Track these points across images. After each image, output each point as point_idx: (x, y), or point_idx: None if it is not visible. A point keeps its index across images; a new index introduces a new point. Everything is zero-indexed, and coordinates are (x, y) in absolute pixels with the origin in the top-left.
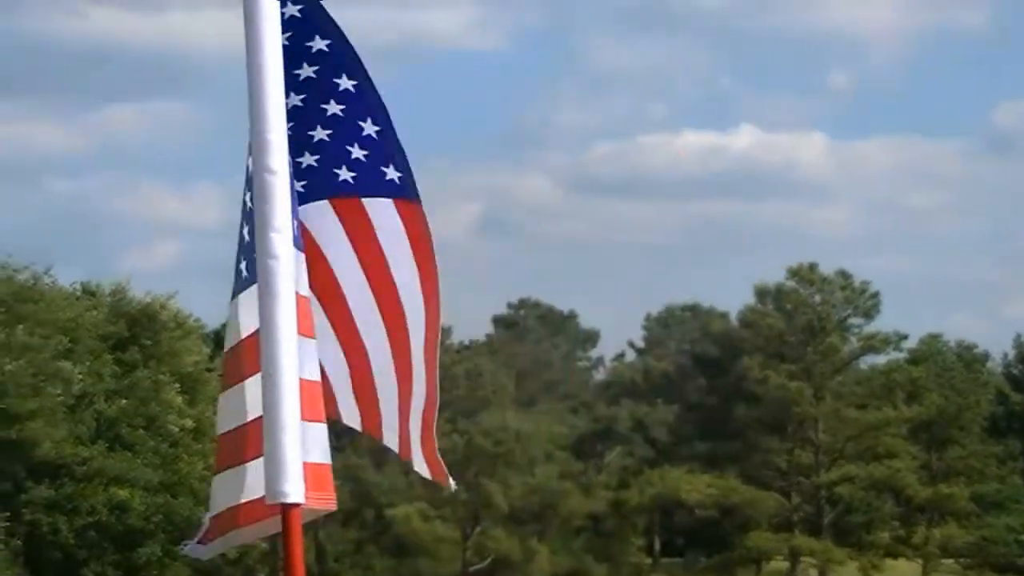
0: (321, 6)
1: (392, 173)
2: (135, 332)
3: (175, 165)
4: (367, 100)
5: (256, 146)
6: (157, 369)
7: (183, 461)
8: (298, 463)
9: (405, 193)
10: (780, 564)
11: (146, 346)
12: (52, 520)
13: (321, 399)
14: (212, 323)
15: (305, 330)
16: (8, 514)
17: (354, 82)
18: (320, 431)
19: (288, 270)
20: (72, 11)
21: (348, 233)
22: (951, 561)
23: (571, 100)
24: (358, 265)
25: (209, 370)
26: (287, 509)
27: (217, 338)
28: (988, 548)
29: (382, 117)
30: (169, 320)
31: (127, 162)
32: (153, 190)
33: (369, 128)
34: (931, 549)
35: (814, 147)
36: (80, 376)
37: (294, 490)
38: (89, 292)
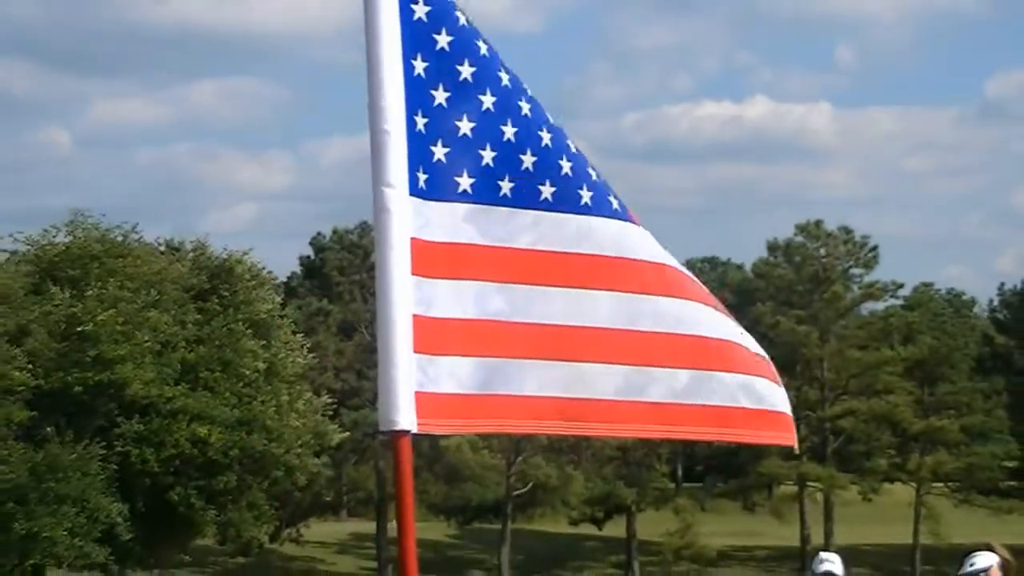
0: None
1: (585, 196)
2: (214, 284)
3: (250, 135)
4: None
5: (371, 109)
6: (233, 317)
7: (256, 401)
8: (409, 395)
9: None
10: (789, 488)
11: (224, 297)
12: (140, 452)
13: (449, 334)
14: (282, 275)
15: (423, 271)
16: (104, 445)
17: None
18: (445, 362)
19: (400, 220)
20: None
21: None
22: (941, 485)
23: (603, 75)
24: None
25: (281, 316)
26: (397, 436)
27: (287, 288)
28: (975, 474)
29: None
30: (244, 273)
31: (207, 132)
32: (230, 157)
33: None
34: (924, 475)
35: (821, 116)
36: (165, 324)
37: (404, 419)
38: (173, 248)
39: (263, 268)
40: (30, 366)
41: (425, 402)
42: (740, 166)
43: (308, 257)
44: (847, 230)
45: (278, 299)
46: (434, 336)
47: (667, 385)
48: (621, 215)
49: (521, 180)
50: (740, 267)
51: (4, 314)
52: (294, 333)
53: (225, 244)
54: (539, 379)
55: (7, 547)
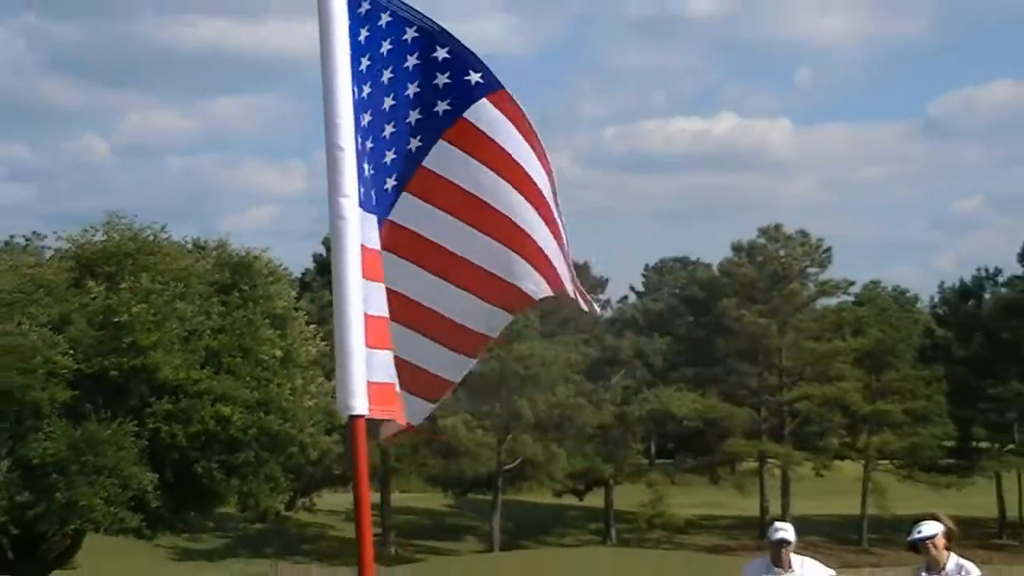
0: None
1: (475, 77)
2: (235, 279)
3: (268, 145)
4: (430, 34)
5: (328, 128)
6: (253, 310)
7: (273, 384)
8: (363, 384)
9: (491, 86)
10: (751, 464)
11: (244, 291)
12: (170, 428)
13: (386, 330)
14: (297, 271)
15: (371, 275)
16: (136, 422)
17: (415, 30)
18: (385, 356)
19: (354, 228)
20: (186, 22)
21: (470, 152)
22: (887, 462)
23: (587, 92)
24: (493, 173)
25: (296, 309)
26: (354, 420)
27: (303, 284)
28: (917, 452)
29: (446, 38)
30: (262, 269)
31: (230, 143)
32: (250, 165)
33: (442, 53)
34: (871, 453)
35: (781, 131)
36: (192, 315)
37: (359, 404)
38: (199, 247)
39: (280, 265)
40: (71, 352)
41: (373, 391)
42: (708, 175)
43: (321, 255)
44: (804, 233)
45: (293, 293)
46: (372, 332)
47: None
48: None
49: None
50: (708, 266)
51: (48, 305)
52: (308, 324)
53: (245, 243)
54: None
55: (50, 514)
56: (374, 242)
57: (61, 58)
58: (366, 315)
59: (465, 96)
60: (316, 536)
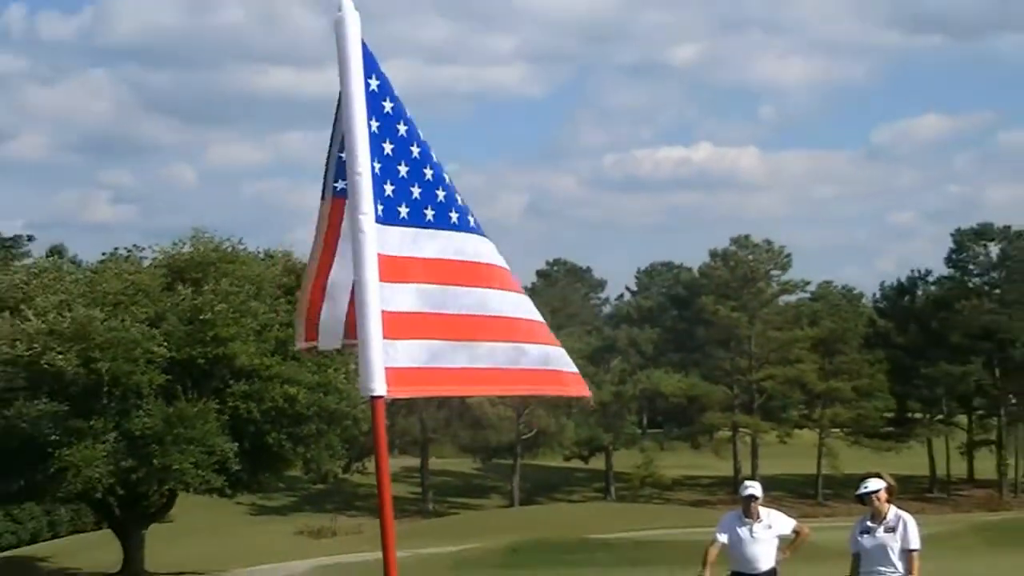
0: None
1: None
2: (299, 282)
3: None
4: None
5: (348, 157)
6: None
7: (330, 369)
8: (381, 369)
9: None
10: (726, 433)
11: None
12: (247, 406)
13: (404, 324)
14: None
15: (388, 278)
16: (218, 401)
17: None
18: (405, 345)
19: (371, 239)
20: (259, 71)
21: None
22: (838, 430)
23: (588, 126)
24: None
25: None
26: (374, 400)
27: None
28: (862, 422)
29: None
30: None
31: (295, 170)
32: (311, 188)
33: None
34: (824, 423)
35: (750, 157)
36: (263, 311)
37: (379, 387)
38: (269, 256)
39: None
40: (165, 343)
41: (390, 374)
42: (689, 194)
43: None
44: (769, 242)
45: None
46: (393, 325)
47: (529, 356)
48: (477, 230)
49: (438, 208)
50: (689, 269)
51: (146, 305)
52: None
53: (307, 253)
54: (468, 355)
55: (149, 476)
56: (392, 249)
57: (157, 102)
58: (384, 312)
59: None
60: (367, 494)
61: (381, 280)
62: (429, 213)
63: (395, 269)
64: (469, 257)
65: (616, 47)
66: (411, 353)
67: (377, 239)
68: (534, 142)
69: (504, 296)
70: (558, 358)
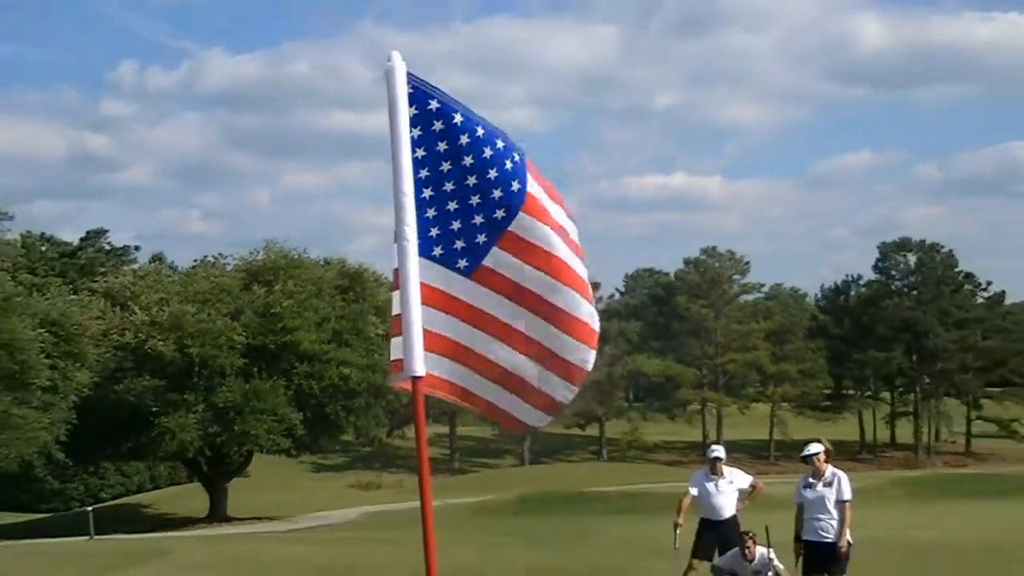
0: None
1: (514, 184)
2: (351, 284)
3: (376, 195)
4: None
5: (396, 179)
6: (363, 304)
7: (376, 354)
8: (421, 354)
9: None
10: (696, 407)
11: (357, 291)
12: (309, 384)
13: (432, 341)
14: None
15: (425, 301)
16: (286, 380)
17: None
18: (431, 356)
19: (414, 248)
20: (323, 115)
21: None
22: (787, 404)
23: (588, 158)
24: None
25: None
26: (415, 381)
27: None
28: (806, 397)
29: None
30: (369, 277)
31: (352, 194)
32: (364, 208)
33: (488, 151)
34: (776, 398)
35: (716, 184)
36: (323, 307)
37: (419, 369)
38: (327, 262)
39: (381, 274)
40: (243, 332)
41: (429, 378)
42: (668, 214)
43: None
44: (732, 252)
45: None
46: (427, 340)
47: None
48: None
49: (471, 257)
50: (667, 274)
51: (228, 302)
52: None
53: (359, 260)
54: (466, 379)
55: (231, 440)
56: (431, 278)
57: (240, 139)
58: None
59: (513, 203)
60: (406, 455)
61: (422, 303)
62: (461, 263)
63: (427, 295)
64: (493, 288)
65: (609, 95)
66: (436, 364)
67: (419, 266)
68: (542, 171)
69: (528, 317)
70: (547, 379)
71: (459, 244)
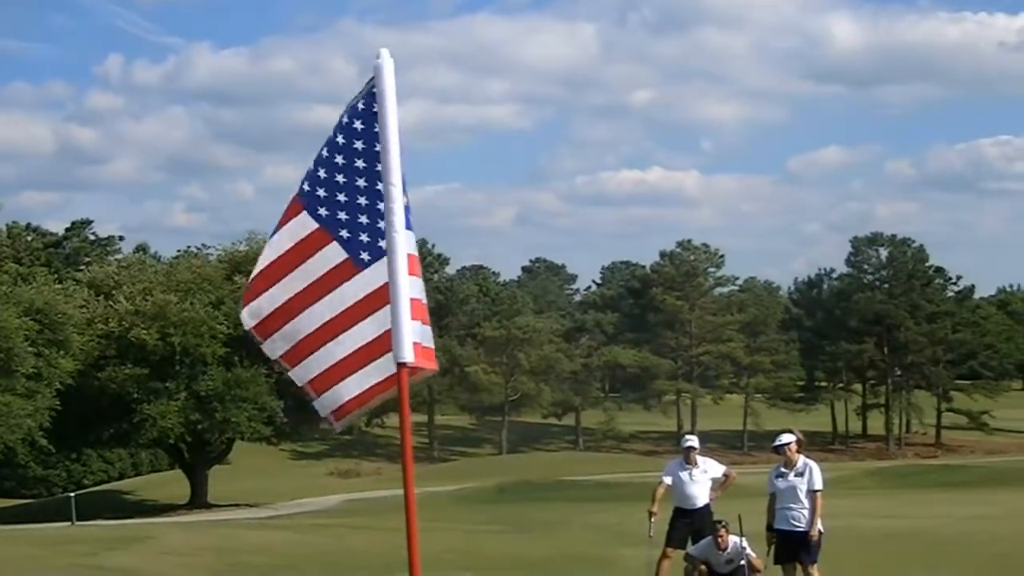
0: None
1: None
2: None
3: None
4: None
5: (384, 170)
6: None
7: None
8: (411, 343)
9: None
10: (671, 397)
11: None
12: None
13: (423, 310)
14: None
15: (413, 271)
16: (267, 368)
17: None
18: (421, 326)
19: (403, 239)
20: (305, 108)
21: None
22: (760, 395)
23: (565, 154)
24: None
25: None
26: (400, 367)
27: None
28: (779, 389)
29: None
30: None
31: None
32: None
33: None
34: (749, 389)
35: (692, 179)
36: None
37: (408, 355)
38: None
39: None
40: (225, 322)
41: (416, 348)
42: (644, 208)
43: None
44: (707, 245)
45: None
46: (415, 310)
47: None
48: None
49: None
50: (643, 267)
51: (210, 291)
52: None
53: None
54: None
55: (212, 427)
56: (414, 248)
57: (224, 133)
58: (411, 299)
59: None
60: (386, 444)
61: (409, 274)
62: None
63: (415, 265)
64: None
65: (588, 92)
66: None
67: (407, 240)
68: (522, 166)
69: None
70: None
71: (364, 237)
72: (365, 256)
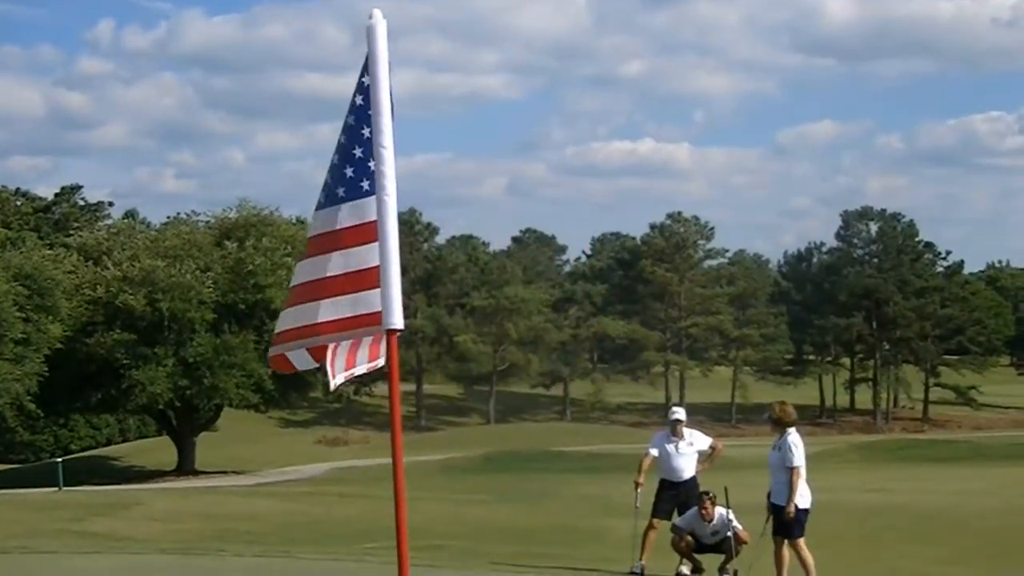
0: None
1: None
2: None
3: None
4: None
5: (375, 134)
6: None
7: None
8: (400, 307)
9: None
10: (659, 369)
11: None
12: None
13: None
14: None
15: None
16: (256, 335)
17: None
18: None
19: (393, 203)
20: (296, 75)
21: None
22: (749, 368)
23: (556, 124)
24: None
25: None
26: (391, 333)
27: None
28: (768, 362)
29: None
30: None
31: (324, 154)
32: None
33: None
34: (738, 362)
35: (683, 151)
36: (294, 264)
37: (398, 321)
38: (300, 221)
39: None
40: (214, 288)
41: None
42: (635, 180)
43: None
44: (697, 218)
45: None
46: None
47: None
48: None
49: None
50: (633, 238)
51: (199, 257)
52: None
53: None
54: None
55: (200, 394)
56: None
57: (215, 99)
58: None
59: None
60: (373, 412)
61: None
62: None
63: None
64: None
65: (580, 63)
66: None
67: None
68: (513, 136)
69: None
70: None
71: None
72: (340, 191)
